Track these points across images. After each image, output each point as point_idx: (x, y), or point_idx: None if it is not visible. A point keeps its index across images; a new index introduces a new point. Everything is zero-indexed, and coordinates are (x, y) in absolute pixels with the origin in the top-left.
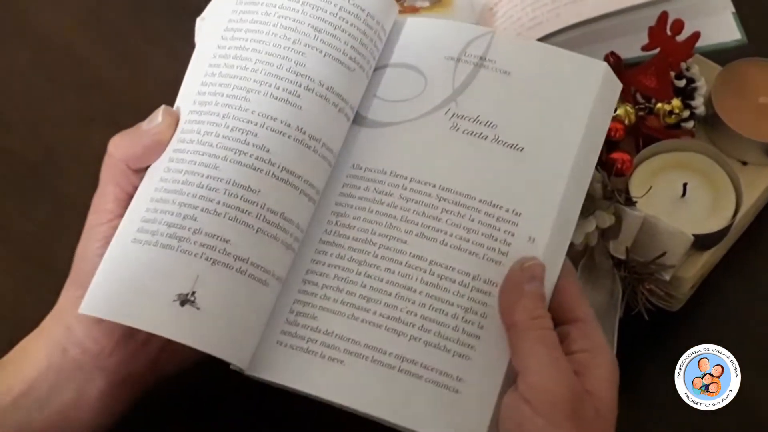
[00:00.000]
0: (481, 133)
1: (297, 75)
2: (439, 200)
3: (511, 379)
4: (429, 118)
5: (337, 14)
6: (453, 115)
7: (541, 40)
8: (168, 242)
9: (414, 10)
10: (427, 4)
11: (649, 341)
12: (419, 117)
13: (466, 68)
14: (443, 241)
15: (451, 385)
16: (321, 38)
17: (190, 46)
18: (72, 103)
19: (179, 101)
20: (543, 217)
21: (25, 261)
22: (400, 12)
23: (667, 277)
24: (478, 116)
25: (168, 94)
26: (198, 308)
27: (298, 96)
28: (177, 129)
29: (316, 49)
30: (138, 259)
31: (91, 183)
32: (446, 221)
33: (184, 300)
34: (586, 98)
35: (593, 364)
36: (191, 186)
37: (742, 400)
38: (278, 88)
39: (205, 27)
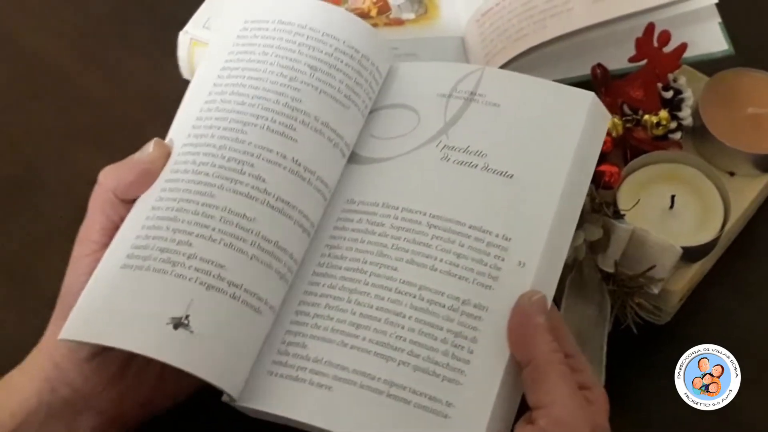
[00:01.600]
0: (471, 162)
1: (293, 110)
2: (429, 227)
3: (502, 404)
4: (420, 151)
5: (332, 54)
6: (444, 147)
7: (527, 52)
8: (161, 266)
9: (399, 23)
10: (412, 16)
11: (638, 354)
12: (411, 150)
13: (457, 103)
14: (433, 266)
15: (440, 410)
16: (317, 76)
17: (173, 60)
18: (54, 118)
19: (172, 134)
20: (533, 242)
21: (5, 278)
22: (386, 24)
23: (656, 291)
24: (468, 146)
25: (151, 108)
26: (191, 332)
27: (294, 129)
28: (170, 161)
29: (312, 87)
30: (129, 283)
31: (73, 200)
32: (436, 247)
33: (178, 323)
34: (573, 127)
35: (593, 398)
36: (186, 213)
37: (730, 409)
38: (274, 122)
39: (200, 67)
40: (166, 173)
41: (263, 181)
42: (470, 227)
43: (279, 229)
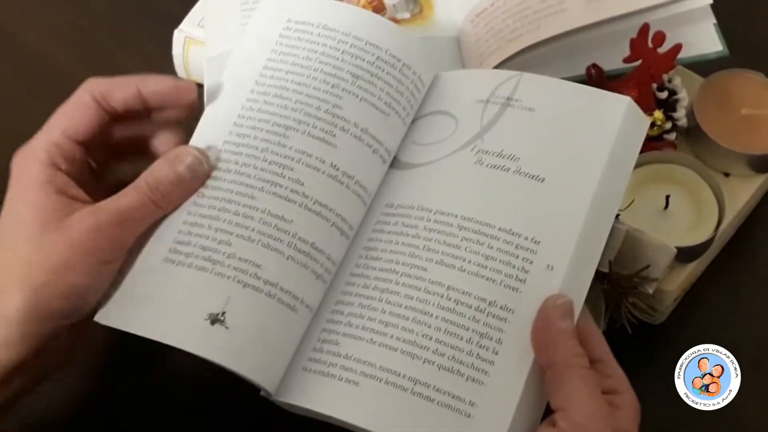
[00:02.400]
0: (504, 166)
1: (334, 116)
2: (460, 229)
3: (527, 406)
4: (456, 156)
5: (374, 63)
6: (478, 151)
7: (521, 52)
8: (202, 264)
9: (394, 22)
10: (407, 16)
11: (632, 354)
12: (447, 155)
13: (493, 108)
14: (461, 267)
15: (463, 409)
16: (358, 84)
17: (168, 57)
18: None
19: (207, 129)
20: (562, 246)
21: None
22: None
23: (651, 290)
24: (502, 150)
25: None
26: (227, 328)
27: (334, 135)
28: (211, 156)
29: (353, 94)
30: (170, 277)
31: None
32: (465, 249)
33: (215, 319)
34: (607, 131)
35: (620, 403)
36: (228, 213)
37: (730, 409)
38: (315, 127)
39: (237, 58)
40: None
41: (302, 184)
42: (499, 229)
43: (316, 231)
